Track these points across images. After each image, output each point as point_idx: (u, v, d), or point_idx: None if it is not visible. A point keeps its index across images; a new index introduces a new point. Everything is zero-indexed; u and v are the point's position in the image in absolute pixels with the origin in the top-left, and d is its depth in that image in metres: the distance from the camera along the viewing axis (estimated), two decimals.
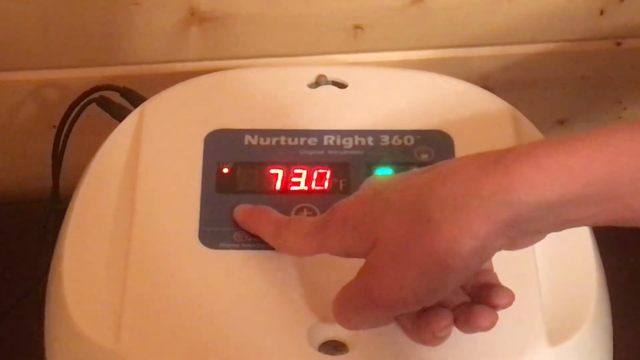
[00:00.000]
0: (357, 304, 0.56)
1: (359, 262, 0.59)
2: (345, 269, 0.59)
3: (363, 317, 0.56)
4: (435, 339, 0.56)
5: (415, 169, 0.58)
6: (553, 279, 0.62)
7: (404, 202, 0.53)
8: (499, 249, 0.53)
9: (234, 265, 0.61)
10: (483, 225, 0.51)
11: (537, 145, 0.52)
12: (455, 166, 0.53)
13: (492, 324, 0.55)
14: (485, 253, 0.53)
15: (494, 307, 0.56)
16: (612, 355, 0.64)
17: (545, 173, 0.51)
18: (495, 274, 0.58)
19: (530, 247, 0.59)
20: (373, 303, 0.54)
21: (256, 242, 0.62)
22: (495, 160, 0.52)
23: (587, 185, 0.50)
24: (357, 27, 0.81)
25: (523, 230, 0.52)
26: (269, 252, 0.61)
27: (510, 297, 0.55)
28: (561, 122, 0.89)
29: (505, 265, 0.59)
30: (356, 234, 0.55)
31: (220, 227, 0.63)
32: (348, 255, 0.56)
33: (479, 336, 0.56)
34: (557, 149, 0.51)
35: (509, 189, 0.50)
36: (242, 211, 0.63)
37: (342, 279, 0.58)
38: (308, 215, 0.64)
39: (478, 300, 0.56)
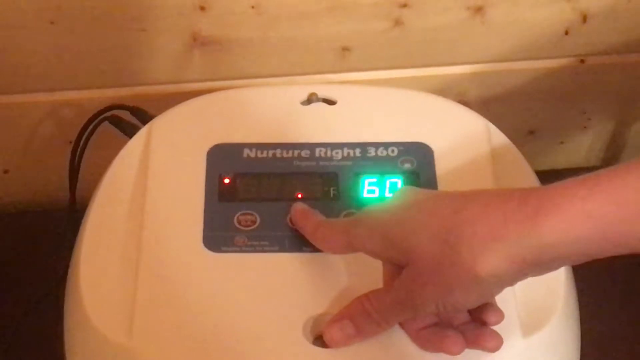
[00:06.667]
0: (394, 308, 0.57)
1: (349, 265, 0.61)
2: (337, 269, 0.61)
3: (391, 319, 0.57)
4: (437, 351, 0.57)
5: (443, 191, 0.60)
6: None
7: (438, 230, 0.54)
8: (518, 281, 0.54)
9: (235, 267, 0.61)
10: (505, 266, 0.52)
11: (558, 192, 0.52)
12: (480, 212, 0.53)
13: (498, 347, 0.56)
14: (505, 285, 0.55)
15: (485, 324, 0.57)
16: (579, 343, 0.64)
17: (566, 220, 0.51)
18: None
19: None
20: (413, 308, 0.55)
21: (255, 245, 0.62)
22: (519, 208, 0.52)
23: (604, 228, 0.51)
24: (345, 48, 0.81)
25: (542, 267, 0.53)
26: (266, 255, 0.61)
27: (500, 316, 0.57)
28: (532, 132, 0.89)
29: None
30: (386, 242, 0.56)
31: (222, 232, 0.62)
32: (371, 255, 0.57)
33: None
34: (576, 194, 0.51)
35: (531, 235, 0.51)
36: (295, 210, 0.63)
37: (335, 279, 0.60)
38: None
39: (474, 315, 0.58)
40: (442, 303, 0.54)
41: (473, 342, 0.56)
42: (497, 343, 0.56)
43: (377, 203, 0.59)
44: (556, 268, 0.54)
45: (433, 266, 0.54)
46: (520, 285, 0.59)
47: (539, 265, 0.53)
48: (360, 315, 0.57)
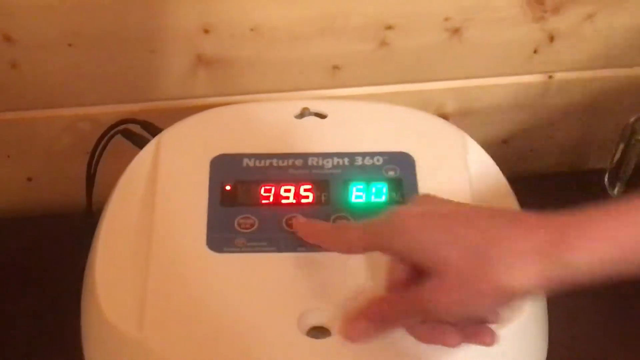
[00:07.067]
0: (415, 314, 0.55)
1: (339, 263, 0.60)
2: (328, 267, 0.61)
3: (408, 323, 0.56)
4: (435, 344, 0.56)
5: (475, 205, 0.59)
6: None
7: (470, 242, 0.53)
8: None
9: (236, 266, 0.61)
10: (537, 283, 0.52)
11: (593, 221, 0.52)
12: (521, 232, 0.53)
13: (495, 342, 0.55)
14: (530, 296, 0.55)
15: (480, 342, 0.56)
16: (547, 330, 0.64)
17: (598, 247, 0.51)
18: None
19: None
20: (435, 315, 0.54)
21: (254, 246, 0.62)
22: (557, 231, 0.52)
23: (628, 253, 0.51)
24: (335, 67, 0.81)
25: (564, 285, 0.53)
26: (264, 255, 0.62)
27: (495, 340, 0.56)
28: (505, 141, 0.89)
29: None
30: (415, 247, 0.54)
31: (224, 235, 0.63)
32: (393, 255, 0.56)
33: None
34: (606, 223, 0.52)
35: (565, 258, 0.51)
36: (300, 223, 0.63)
37: (326, 276, 0.61)
38: None
39: (468, 331, 0.57)
40: (465, 313, 0.53)
41: (470, 337, 0.55)
42: (493, 338, 0.55)
43: (403, 206, 0.57)
44: (573, 286, 0.54)
45: (463, 278, 0.53)
46: None
47: (564, 284, 0.52)
48: (379, 317, 0.56)
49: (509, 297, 0.52)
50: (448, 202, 0.57)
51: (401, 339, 0.56)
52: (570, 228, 0.52)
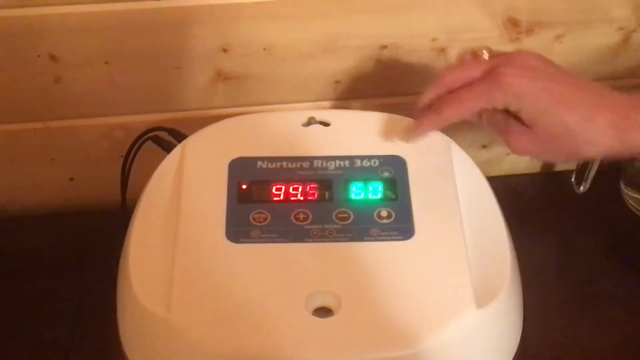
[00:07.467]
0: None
1: (341, 252, 0.61)
2: (331, 255, 0.61)
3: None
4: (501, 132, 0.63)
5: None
6: (478, 258, 0.61)
7: (569, 118, 0.58)
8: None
9: (251, 255, 0.61)
10: (604, 153, 0.59)
11: None
12: (599, 111, 0.59)
13: None
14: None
15: None
16: (522, 312, 0.64)
17: None
18: None
19: (460, 234, 0.62)
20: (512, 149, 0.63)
21: (267, 237, 0.62)
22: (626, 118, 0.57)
23: None
24: (337, 81, 0.81)
25: (626, 156, 0.58)
26: (276, 245, 0.62)
27: None
28: (484, 146, 0.89)
29: (443, 249, 0.61)
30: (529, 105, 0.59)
31: (241, 228, 0.62)
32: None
33: (410, 300, 0.58)
34: None
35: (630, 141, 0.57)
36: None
37: (329, 263, 0.61)
38: (303, 217, 0.63)
39: None
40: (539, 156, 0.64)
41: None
42: None
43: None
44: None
45: (551, 139, 0.59)
46: (474, 265, 0.61)
47: (623, 155, 0.58)
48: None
49: (578, 159, 0.58)
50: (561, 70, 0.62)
51: (396, 319, 0.57)
52: (632, 111, 0.56)
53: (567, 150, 0.60)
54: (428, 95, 0.65)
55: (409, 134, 0.67)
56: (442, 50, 0.79)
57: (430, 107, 0.64)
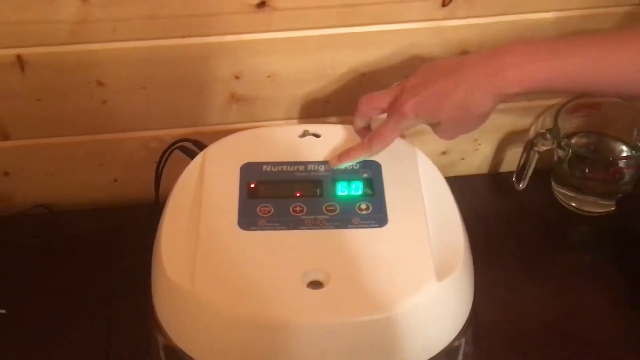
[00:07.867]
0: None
1: (332, 237, 0.61)
2: (323, 240, 0.61)
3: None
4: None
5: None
6: (438, 241, 0.61)
7: (455, 101, 0.58)
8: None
9: (258, 239, 0.61)
10: (495, 101, 0.58)
11: (528, 57, 0.56)
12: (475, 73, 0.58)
13: None
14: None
15: None
16: (474, 284, 0.64)
17: (525, 77, 0.56)
18: None
19: (424, 223, 0.61)
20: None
21: (270, 226, 0.62)
22: (496, 71, 0.57)
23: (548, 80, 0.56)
24: (326, 101, 0.81)
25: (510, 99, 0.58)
26: (278, 232, 0.61)
27: None
28: (444, 152, 0.88)
29: (410, 234, 0.61)
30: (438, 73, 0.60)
31: (250, 218, 0.62)
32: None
33: (384, 274, 0.58)
34: (536, 57, 0.56)
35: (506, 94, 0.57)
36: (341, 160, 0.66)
37: (321, 246, 0.60)
38: (299, 209, 0.63)
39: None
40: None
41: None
42: None
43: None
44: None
45: (454, 124, 0.60)
46: (434, 242, 0.60)
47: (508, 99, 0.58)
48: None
49: (485, 121, 0.57)
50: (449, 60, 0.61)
51: (373, 290, 0.57)
52: (499, 71, 0.56)
53: (474, 123, 0.62)
54: (357, 125, 0.68)
55: (341, 159, 0.66)
56: (407, 76, 0.78)
57: (365, 128, 0.67)
